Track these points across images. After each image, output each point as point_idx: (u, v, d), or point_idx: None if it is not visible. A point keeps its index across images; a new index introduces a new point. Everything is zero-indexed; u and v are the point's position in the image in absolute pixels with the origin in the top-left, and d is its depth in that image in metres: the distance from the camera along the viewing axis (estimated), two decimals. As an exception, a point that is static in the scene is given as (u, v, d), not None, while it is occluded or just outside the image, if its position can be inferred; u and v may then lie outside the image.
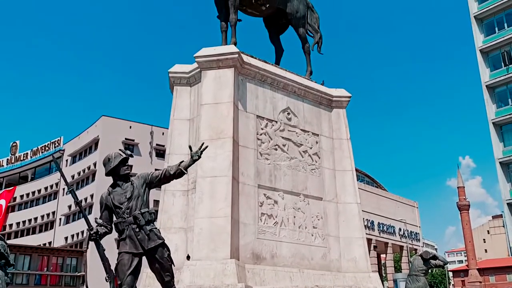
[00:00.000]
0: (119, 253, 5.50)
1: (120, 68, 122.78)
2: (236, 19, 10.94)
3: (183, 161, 5.98)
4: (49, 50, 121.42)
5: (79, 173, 62.38)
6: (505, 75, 44.41)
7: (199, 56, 10.04)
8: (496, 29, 46.09)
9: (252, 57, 10.67)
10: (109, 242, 8.94)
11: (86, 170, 61.12)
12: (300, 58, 12.64)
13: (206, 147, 5.97)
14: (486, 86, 45.57)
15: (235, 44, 10.64)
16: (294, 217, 10.32)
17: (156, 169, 6.87)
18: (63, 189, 61.43)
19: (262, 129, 10.37)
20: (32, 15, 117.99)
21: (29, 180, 71.48)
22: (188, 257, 8.99)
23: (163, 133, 59.06)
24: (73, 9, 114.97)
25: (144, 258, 5.56)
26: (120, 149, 6.34)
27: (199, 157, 5.93)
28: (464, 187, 70.77)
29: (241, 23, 11.22)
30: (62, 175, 6.56)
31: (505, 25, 45.40)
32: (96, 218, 5.77)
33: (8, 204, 11.84)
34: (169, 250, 5.65)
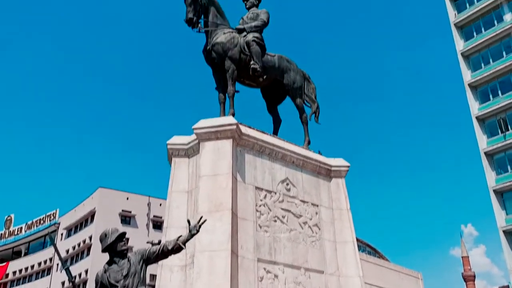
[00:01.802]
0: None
1: (117, 138, 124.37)
2: (234, 91, 11.08)
3: (181, 235, 5.84)
4: (45, 121, 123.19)
5: (74, 247, 61.15)
6: (502, 142, 44.83)
7: (198, 127, 10.07)
8: (491, 96, 47.09)
9: (250, 127, 10.71)
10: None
11: (81, 244, 59.97)
12: (298, 128, 12.72)
13: (205, 221, 5.85)
14: (485, 153, 45.88)
15: (233, 115, 10.71)
16: (296, 292, 9.93)
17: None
18: (57, 264, 60.00)
19: (261, 200, 10.22)
20: (30, 89, 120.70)
21: (22, 255, 69.91)
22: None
23: (160, 204, 58.54)
24: (70, 81, 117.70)
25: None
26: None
27: (198, 231, 5.81)
28: (468, 256, 69.49)
29: (239, 93, 11.37)
30: (57, 252, 6.36)
31: (499, 92, 46.42)
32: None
33: (0, 281, 11.45)
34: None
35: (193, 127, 10.11)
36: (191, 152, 10.61)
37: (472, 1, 50.11)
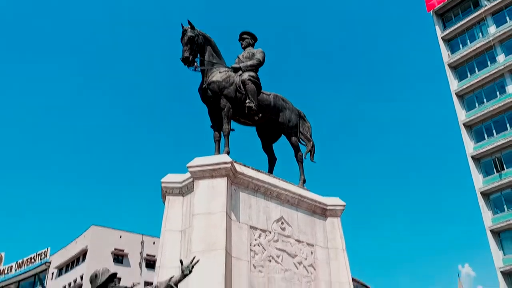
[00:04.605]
0: None
1: (111, 175, 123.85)
2: (229, 129, 11.10)
3: (173, 276, 5.73)
4: (37, 157, 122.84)
5: (65, 287, 59.93)
6: (498, 181, 44.86)
7: (192, 165, 10.01)
8: (486, 135, 47.43)
9: (245, 166, 10.67)
10: None
11: (72, 284, 58.78)
12: (293, 166, 12.68)
13: (198, 261, 5.73)
14: (481, 192, 45.85)
15: (228, 153, 10.69)
16: (291, 335, 9.67)
17: (146, 282, 6.54)
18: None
19: (255, 239, 10.07)
20: (22, 124, 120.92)
21: (12, 294, 68.42)
22: None
23: (154, 243, 57.79)
24: (64, 114, 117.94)
25: None
26: None
27: (190, 271, 5.70)
28: (466, 298, 68.46)
29: (234, 132, 11.38)
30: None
31: (494, 132, 46.79)
32: None
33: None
34: None
35: (187, 165, 10.06)
36: (185, 190, 10.52)
37: (465, 42, 51.15)
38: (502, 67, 47.12)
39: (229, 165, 9.86)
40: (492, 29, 48.98)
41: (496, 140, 46.01)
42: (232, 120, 11.40)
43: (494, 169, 45.72)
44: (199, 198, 9.78)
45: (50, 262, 64.06)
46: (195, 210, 9.69)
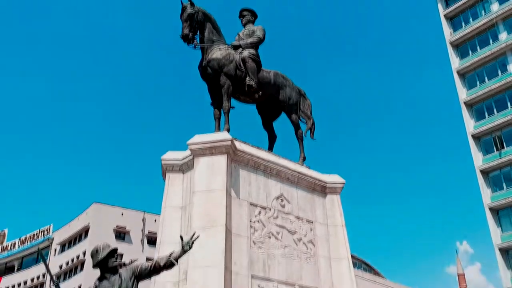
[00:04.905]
0: None
1: (113, 153, 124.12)
2: (229, 107, 11.10)
3: (173, 251, 5.79)
4: (39, 135, 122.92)
5: (67, 263, 60.56)
6: (498, 159, 44.96)
7: (192, 143, 10.05)
8: (486, 114, 47.35)
9: (245, 143, 10.70)
10: None
11: (75, 260, 59.41)
12: (293, 144, 12.72)
13: (198, 237, 5.80)
14: (480, 171, 45.99)
15: (228, 131, 10.71)
16: (290, 309, 9.83)
17: (147, 258, 6.64)
18: (50, 280, 59.29)
19: (255, 216, 10.17)
20: (26, 103, 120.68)
21: (15, 270, 69.18)
22: None
23: (155, 220, 58.17)
24: (65, 96, 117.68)
25: None
26: None
27: (190, 247, 5.76)
28: (464, 274, 69.11)
29: (234, 109, 11.38)
30: (47, 269, 6.28)
31: (495, 110, 46.69)
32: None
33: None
34: None
35: (187, 142, 10.10)
36: (186, 167, 10.58)
37: (467, 20, 50.67)
38: (504, 45, 46.77)
39: (229, 142, 9.90)
40: (495, 7, 48.48)
41: (497, 119, 45.95)
42: (232, 98, 11.39)
43: (494, 148, 45.78)
44: (199, 175, 9.84)
45: (53, 239, 64.65)
46: (195, 187, 9.76)
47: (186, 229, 9.58)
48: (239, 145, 10.36)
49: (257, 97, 11.88)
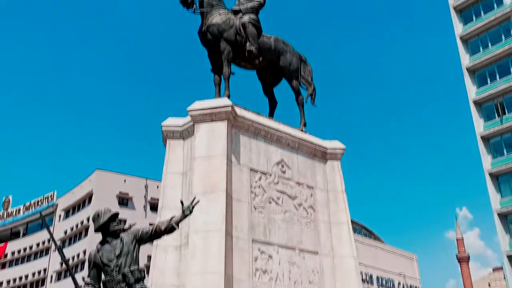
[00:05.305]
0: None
1: (115, 120, 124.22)
2: (230, 72, 11.04)
3: (174, 216, 5.86)
4: (43, 104, 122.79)
5: (72, 228, 61.41)
6: (499, 125, 44.84)
7: (192, 109, 10.05)
8: (488, 80, 46.94)
9: (245, 109, 10.69)
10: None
11: (79, 225, 60.22)
12: (294, 110, 12.70)
13: (198, 201, 5.86)
14: (481, 137, 45.92)
15: (228, 97, 10.69)
16: (290, 272, 10.02)
17: (150, 224, 6.74)
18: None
19: (256, 182, 10.25)
20: (28, 74, 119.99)
21: (21, 236, 70.21)
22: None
23: (157, 186, 58.60)
24: (67, 66, 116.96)
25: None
26: None
27: (191, 212, 5.83)
28: (463, 238, 70.05)
29: (234, 75, 11.32)
30: (50, 233, 6.40)
31: (497, 76, 46.28)
32: (83, 277, 5.59)
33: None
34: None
35: (188, 108, 10.10)
36: (186, 134, 10.60)
37: (471, -16, 49.67)
38: (509, 9, 45.96)
39: (230, 108, 9.89)
40: (500, -31, 47.48)
41: (499, 85, 45.58)
42: (232, 64, 11.32)
43: (496, 114, 45.59)
44: (199, 141, 9.88)
45: (57, 205, 65.35)
46: (195, 153, 9.81)
47: (187, 194, 9.68)
48: (239, 111, 10.36)
49: (257, 63, 11.80)
